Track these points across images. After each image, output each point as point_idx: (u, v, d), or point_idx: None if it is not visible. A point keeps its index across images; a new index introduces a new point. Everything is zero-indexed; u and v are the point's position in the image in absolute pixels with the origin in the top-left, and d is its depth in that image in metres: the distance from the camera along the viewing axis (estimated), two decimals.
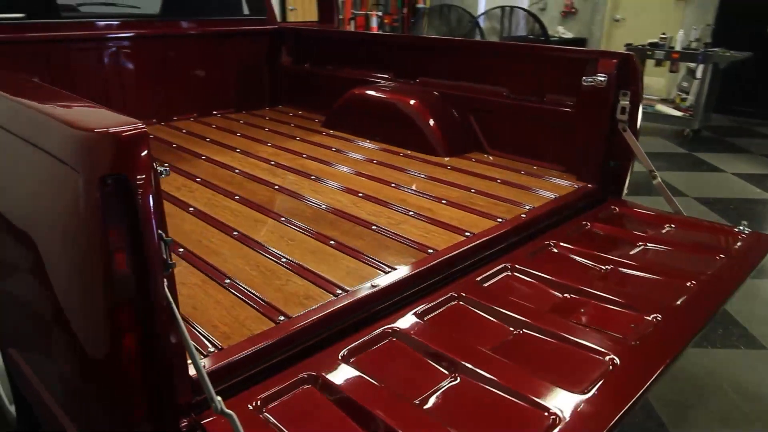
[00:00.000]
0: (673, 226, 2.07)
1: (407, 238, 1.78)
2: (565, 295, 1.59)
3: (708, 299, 1.55)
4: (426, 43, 3.16)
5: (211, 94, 3.51)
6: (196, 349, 1.19)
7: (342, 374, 1.23)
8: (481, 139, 2.78)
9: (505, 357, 1.29)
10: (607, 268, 1.74)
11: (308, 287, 1.49)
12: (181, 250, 1.69)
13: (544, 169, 2.52)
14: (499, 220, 1.95)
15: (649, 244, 1.91)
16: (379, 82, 3.13)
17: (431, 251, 1.71)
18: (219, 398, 0.99)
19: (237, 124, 3.29)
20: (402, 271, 1.57)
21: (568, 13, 9.34)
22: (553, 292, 1.61)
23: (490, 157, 2.69)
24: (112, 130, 0.90)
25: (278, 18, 11.09)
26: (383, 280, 1.52)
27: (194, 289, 1.47)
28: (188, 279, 1.52)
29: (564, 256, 1.82)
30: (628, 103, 2.19)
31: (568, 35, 9.23)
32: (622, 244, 1.92)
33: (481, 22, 9.11)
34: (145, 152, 0.92)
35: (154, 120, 3.27)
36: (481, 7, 9.57)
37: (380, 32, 3.33)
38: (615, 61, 2.20)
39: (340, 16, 11.07)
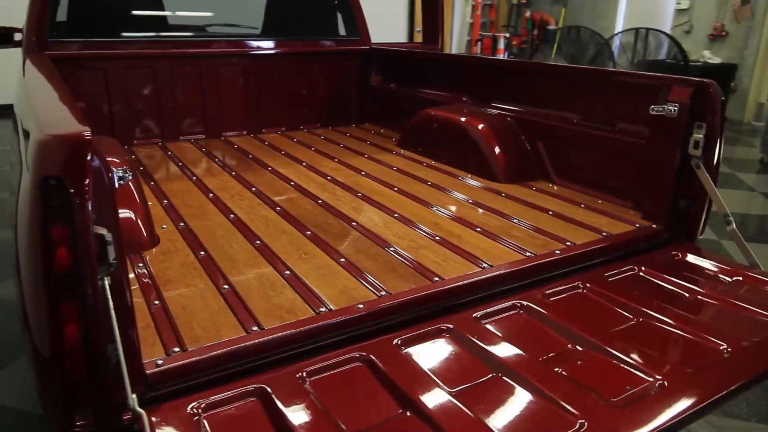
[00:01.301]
0: (741, 279, 1.78)
1: (419, 263, 1.73)
2: (569, 345, 1.43)
3: (738, 373, 1.31)
4: (501, 66, 3.07)
5: (300, 110, 3.70)
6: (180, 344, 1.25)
7: (293, 394, 1.22)
8: (548, 167, 2.62)
9: (465, 405, 1.19)
10: (632, 322, 1.55)
11: (295, 301, 1.50)
12: (202, 253, 1.79)
13: (611, 203, 2.30)
14: (528, 254, 1.82)
15: (701, 298, 1.67)
16: (453, 103, 3.09)
17: (437, 279, 1.64)
18: (134, 396, 1.03)
19: (317, 139, 3.43)
20: (393, 298, 1.53)
21: (717, 37, 8.50)
22: (556, 338, 1.46)
23: (555, 187, 2.52)
24: (55, 135, 0.99)
25: (406, 39, 11.39)
26: (370, 304, 1.49)
27: (193, 291, 1.55)
28: (194, 281, 1.61)
29: (588, 300, 1.65)
30: (702, 136, 1.94)
31: (715, 60, 8.40)
32: (665, 295, 1.69)
33: (615, 43, 8.60)
34: (86, 157, 0.99)
35: (245, 132, 3.51)
36: (619, 28, 9.04)
37: (460, 54, 3.28)
38: (690, 89, 1.96)
39: (468, 38, 11.09)
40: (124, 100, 3.13)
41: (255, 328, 1.37)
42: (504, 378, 1.29)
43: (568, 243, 1.91)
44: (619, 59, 8.31)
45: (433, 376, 1.28)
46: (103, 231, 1.04)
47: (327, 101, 3.79)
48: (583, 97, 2.45)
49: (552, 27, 10.05)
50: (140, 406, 1.15)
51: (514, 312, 1.57)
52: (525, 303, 1.59)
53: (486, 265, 1.73)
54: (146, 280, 1.60)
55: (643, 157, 2.15)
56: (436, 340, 1.43)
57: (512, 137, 2.69)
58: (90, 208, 1.00)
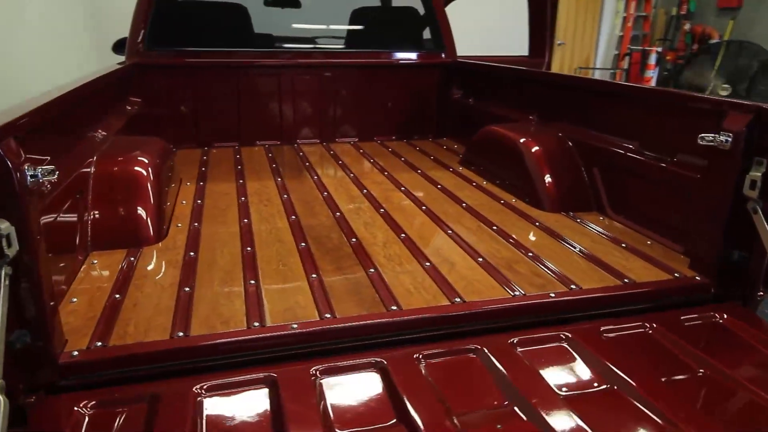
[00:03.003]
0: None
1: (388, 289, 1.62)
2: (499, 408, 1.24)
3: None
4: (568, 83, 2.77)
5: (377, 122, 3.70)
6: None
7: (184, 404, 1.21)
8: (603, 198, 2.31)
9: None
10: (601, 387, 1.29)
11: (237, 313, 1.49)
12: (192, 254, 1.86)
13: (660, 246, 1.97)
14: (516, 293, 1.62)
15: (710, 374, 1.35)
16: (518, 122, 2.87)
17: (394, 308, 1.52)
18: (2, 382, 1.08)
19: (383, 151, 3.40)
20: (334, 322, 1.45)
21: None
22: (490, 393, 1.27)
23: (605, 221, 2.22)
24: None
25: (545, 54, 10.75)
26: (304, 326, 1.43)
27: (156, 290, 1.61)
28: (164, 280, 1.68)
29: (559, 356, 1.41)
30: (761, 174, 1.57)
31: None
32: (660, 362, 1.39)
33: None
34: None
35: (318, 140, 3.60)
36: None
37: (533, 70, 3.04)
38: (747, 116, 1.61)
39: (615, 52, 10.30)
40: (207, 105, 3.38)
41: (180, 334, 1.39)
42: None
43: (572, 287, 1.66)
44: None
45: (329, 417, 1.19)
46: (4, 224, 1.12)
47: (405, 114, 3.74)
48: (641, 121, 2.13)
49: (715, 41, 8.95)
50: (51, 393, 1.23)
51: (462, 355, 1.40)
52: (483, 347, 1.42)
53: (458, 300, 1.57)
54: (123, 274, 1.70)
55: (696, 194, 1.81)
56: (359, 374, 1.33)
57: (568, 163, 2.43)
58: None
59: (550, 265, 1.81)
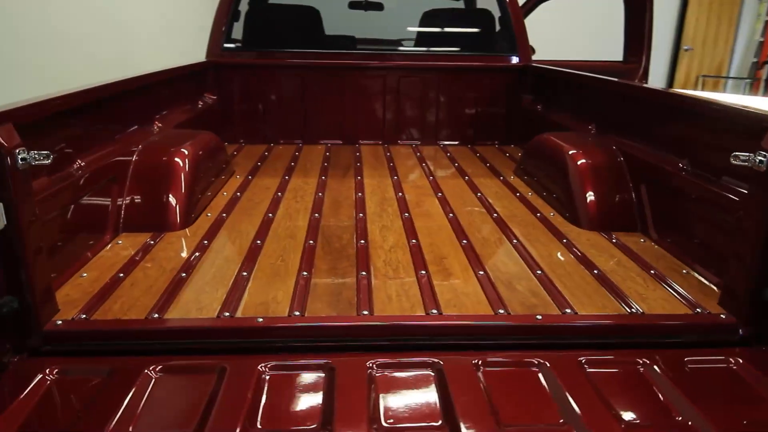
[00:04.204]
0: None
1: (368, 294, 1.60)
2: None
3: None
4: (624, 92, 2.52)
5: (441, 125, 3.64)
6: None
7: (143, 381, 1.27)
8: (648, 218, 2.10)
9: None
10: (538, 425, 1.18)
11: (215, 302, 1.55)
12: (206, 242, 1.96)
13: (696, 276, 1.75)
14: (500, 311, 1.52)
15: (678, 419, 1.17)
16: (575, 131, 2.68)
17: (365, 313, 1.50)
18: None
19: (441, 155, 3.34)
20: (300, 320, 1.46)
21: None
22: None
23: (645, 242, 2.01)
24: None
25: (667, 59, 10.12)
26: (271, 321, 1.45)
27: (158, 272, 1.72)
28: (169, 264, 1.78)
29: (522, 381, 1.30)
30: None
31: None
32: (641, 404, 1.23)
33: None
34: None
35: (380, 141, 3.62)
36: None
37: (592, 75, 2.81)
38: None
39: (754, 59, 9.25)
40: (276, 104, 3.54)
41: (156, 315, 1.47)
42: None
43: (567, 311, 1.53)
44: None
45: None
46: None
47: (473, 119, 3.64)
48: (689, 135, 1.91)
49: None
50: (33, 356, 1.37)
51: (420, 372, 1.35)
52: (438, 364, 1.35)
53: (433, 312, 1.51)
54: (136, 255, 1.83)
55: (733, 221, 1.58)
56: (263, 376, 1.32)
57: (615, 178, 2.23)
58: None
59: (556, 285, 1.68)
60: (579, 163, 2.30)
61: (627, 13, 4.20)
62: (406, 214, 2.26)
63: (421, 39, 3.71)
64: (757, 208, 1.44)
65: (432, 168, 3.02)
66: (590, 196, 2.20)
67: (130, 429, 1.14)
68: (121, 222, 2.03)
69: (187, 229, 2.08)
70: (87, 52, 5.89)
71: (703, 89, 8.69)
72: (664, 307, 1.56)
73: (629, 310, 1.54)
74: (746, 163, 1.46)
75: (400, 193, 2.55)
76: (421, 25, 3.70)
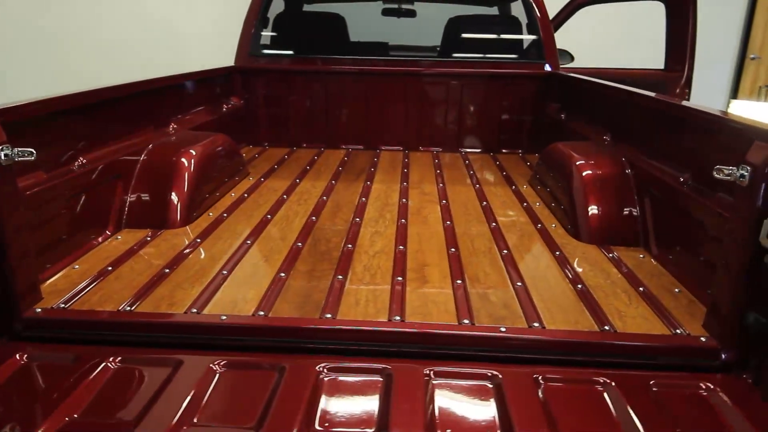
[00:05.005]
0: None
1: (335, 298, 1.60)
2: None
3: None
4: (636, 101, 2.39)
5: (463, 132, 3.60)
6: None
7: (101, 375, 1.33)
8: (650, 233, 2.00)
9: None
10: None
11: (188, 299, 1.59)
12: (198, 240, 2.02)
13: (686, 296, 1.65)
14: (465, 321, 1.49)
15: None
16: (588, 141, 2.59)
17: (328, 316, 1.50)
18: None
19: (459, 163, 3.29)
20: (261, 320, 1.48)
21: None
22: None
23: (644, 258, 1.92)
24: None
25: (732, 68, 9.64)
26: (233, 320, 1.48)
27: (144, 267, 1.79)
28: (157, 260, 1.85)
29: (476, 394, 1.27)
30: None
31: None
32: (588, 425, 1.18)
33: None
34: None
35: (400, 147, 3.61)
36: None
37: (607, 83, 2.68)
38: None
39: None
40: (300, 108, 3.60)
41: (128, 308, 1.53)
42: None
43: (535, 324, 1.48)
44: None
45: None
46: None
47: (496, 126, 3.58)
48: (689, 148, 1.81)
49: None
50: (12, 340, 1.46)
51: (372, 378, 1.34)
52: (395, 369, 1.34)
53: (396, 319, 1.50)
54: (130, 250, 1.91)
55: (719, 239, 1.49)
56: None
57: (621, 191, 2.13)
58: None
59: (533, 298, 1.62)
60: (584, 174, 2.22)
61: (668, 18, 4.02)
62: (403, 221, 2.25)
63: (446, 45, 3.69)
64: (740, 224, 1.35)
65: (444, 175, 2.99)
66: (592, 209, 2.12)
67: (75, 416, 1.19)
68: (125, 218, 2.13)
69: (186, 228, 2.15)
70: (145, 57, 6.23)
71: (766, 99, 8.17)
72: (641, 326, 1.48)
73: (601, 328, 1.47)
74: (729, 177, 1.37)
75: (404, 200, 2.54)
76: (445, 32, 3.68)
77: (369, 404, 1.23)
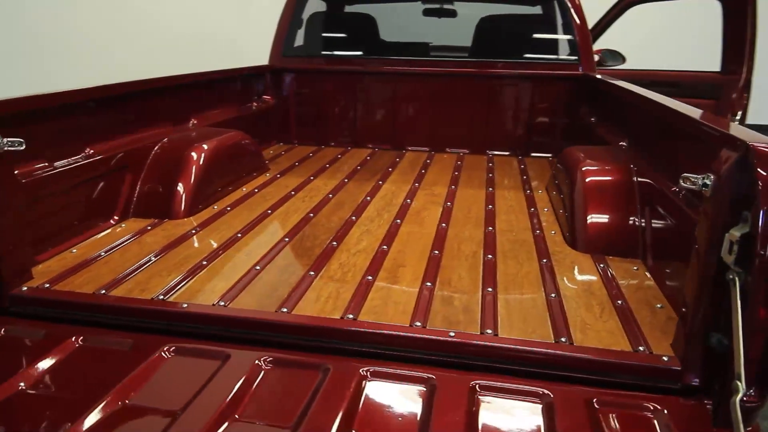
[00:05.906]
0: None
1: (300, 295, 1.63)
2: None
3: None
4: (646, 106, 2.24)
5: (492, 135, 3.52)
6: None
7: (63, 349, 1.43)
8: (648, 244, 1.88)
9: None
10: None
11: (159, 285, 1.66)
12: (194, 231, 2.11)
13: (667, 313, 1.55)
14: (417, 324, 1.47)
15: None
16: (605, 146, 2.47)
17: (285, 311, 1.53)
18: None
19: (481, 165, 3.23)
20: (220, 310, 1.53)
21: None
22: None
23: (638, 270, 1.81)
24: None
25: None
26: (194, 307, 1.54)
27: (132, 254, 1.88)
28: (147, 248, 1.94)
29: (408, 396, 1.25)
30: (739, 235, 1.14)
31: None
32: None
33: None
34: None
35: (427, 148, 3.58)
36: None
37: (625, 88, 2.51)
38: (735, 155, 1.17)
39: None
40: (330, 107, 3.66)
41: (103, 292, 1.62)
42: None
43: (488, 331, 1.44)
44: None
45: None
46: None
47: (525, 129, 3.48)
48: (680, 153, 1.68)
49: None
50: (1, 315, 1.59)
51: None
52: (327, 365, 1.34)
53: (350, 317, 1.50)
54: (129, 238, 2.02)
55: (688, 253, 1.38)
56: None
57: (623, 200, 2.02)
58: None
59: (498, 305, 1.58)
60: (587, 180, 2.12)
61: (725, 16, 3.76)
62: (398, 221, 2.24)
63: (477, 45, 3.62)
64: (703, 237, 1.25)
65: (461, 177, 2.94)
66: (591, 217, 2.02)
67: (21, 387, 1.28)
68: (132, 208, 2.25)
69: (189, 219, 2.25)
70: (182, 52, 6.47)
71: None
72: (603, 341, 1.40)
73: (557, 339, 1.40)
74: (694, 187, 1.27)
75: (409, 200, 2.52)
76: (477, 31, 3.61)
77: (295, 399, 1.25)
